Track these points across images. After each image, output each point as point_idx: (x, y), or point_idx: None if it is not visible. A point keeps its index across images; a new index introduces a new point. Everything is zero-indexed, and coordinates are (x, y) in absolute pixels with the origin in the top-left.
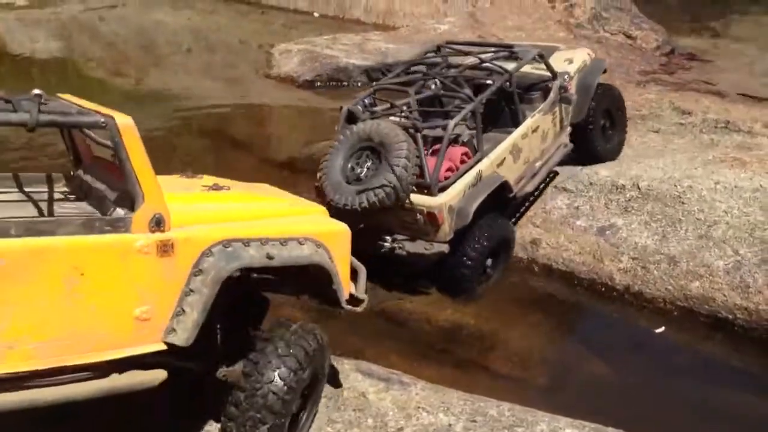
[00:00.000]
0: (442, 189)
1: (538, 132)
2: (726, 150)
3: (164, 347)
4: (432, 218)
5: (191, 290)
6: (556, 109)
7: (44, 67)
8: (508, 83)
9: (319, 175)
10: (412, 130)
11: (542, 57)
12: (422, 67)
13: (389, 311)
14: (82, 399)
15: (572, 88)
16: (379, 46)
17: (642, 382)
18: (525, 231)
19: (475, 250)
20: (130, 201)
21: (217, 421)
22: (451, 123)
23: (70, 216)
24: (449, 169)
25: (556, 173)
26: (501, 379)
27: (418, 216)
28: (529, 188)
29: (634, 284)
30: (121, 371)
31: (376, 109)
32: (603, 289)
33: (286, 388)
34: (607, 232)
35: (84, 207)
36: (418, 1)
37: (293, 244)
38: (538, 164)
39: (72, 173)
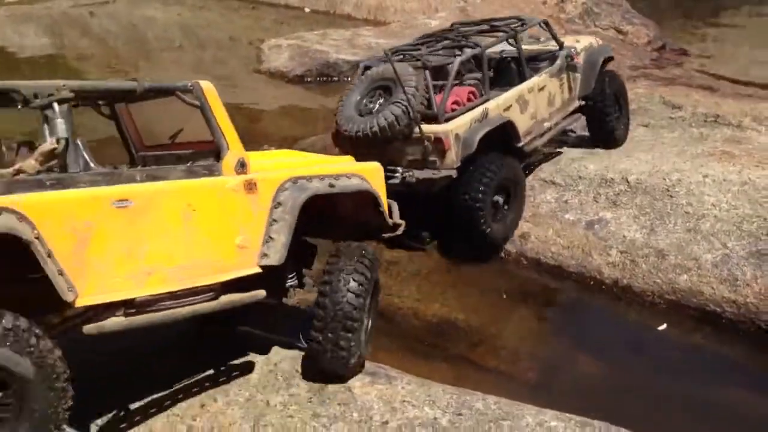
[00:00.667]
0: (449, 120)
1: (545, 92)
2: (715, 144)
3: (260, 270)
4: (439, 143)
5: (275, 220)
6: (564, 76)
7: (35, 63)
8: (513, 39)
9: (335, 114)
10: (420, 66)
11: (547, 24)
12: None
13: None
14: (207, 312)
15: (579, 60)
16: (370, 41)
17: (630, 376)
18: None
19: (481, 183)
20: (216, 152)
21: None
22: (457, 60)
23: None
24: (456, 103)
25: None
26: (489, 373)
27: (426, 143)
28: (538, 143)
29: (623, 278)
30: (226, 292)
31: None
32: (592, 282)
33: (359, 298)
34: (596, 226)
35: None
36: None
37: (344, 179)
38: (546, 125)
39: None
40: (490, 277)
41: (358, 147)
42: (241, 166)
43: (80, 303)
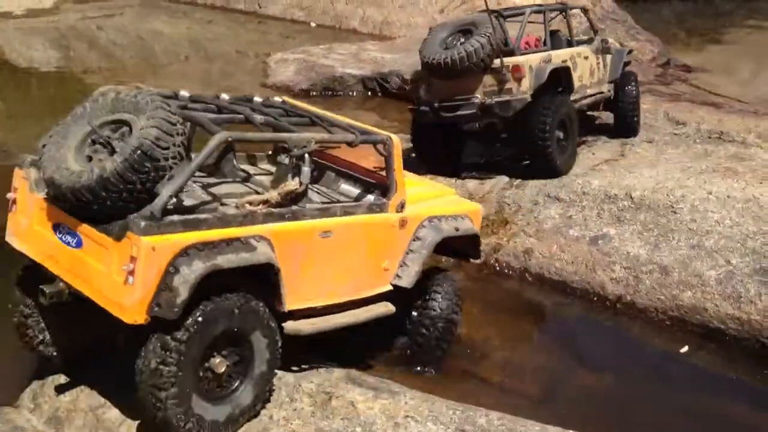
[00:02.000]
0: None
1: (588, 61)
2: (719, 160)
3: (391, 288)
4: (516, 71)
5: (411, 250)
6: (599, 56)
7: (43, 76)
8: (564, 13)
9: (420, 49)
10: (495, 15)
11: (586, 11)
12: None
13: (381, 320)
14: (360, 322)
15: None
16: (375, 55)
17: (634, 392)
18: (518, 240)
19: (548, 115)
20: (385, 188)
21: None
22: (528, 10)
23: (358, 203)
24: (527, 43)
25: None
26: (493, 388)
27: (504, 72)
28: (580, 103)
29: (626, 294)
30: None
31: None
32: (595, 298)
33: (454, 315)
34: (600, 242)
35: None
36: (414, 12)
37: (460, 219)
38: (588, 91)
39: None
40: (493, 292)
41: (439, 75)
42: (401, 207)
43: (287, 308)
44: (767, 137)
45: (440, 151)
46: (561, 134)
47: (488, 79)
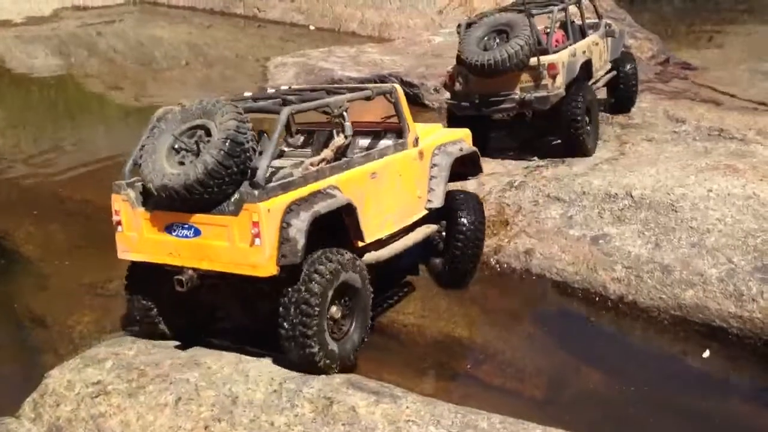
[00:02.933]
0: (555, 53)
1: (597, 47)
2: (719, 158)
3: (427, 212)
4: (552, 68)
5: (433, 176)
6: (604, 40)
7: (43, 83)
8: (578, 4)
9: (458, 51)
10: (526, 15)
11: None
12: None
13: (381, 324)
14: (411, 245)
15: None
16: (374, 58)
17: (637, 393)
18: (519, 241)
19: (578, 105)
20: (399, 131)
21: None
22: (556, 9)
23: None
24: (556, 40)
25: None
26: (495, 391)
27: (541, 70)
28: (598, 85)
29: (628, 294)
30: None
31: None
32: (597, 299)
33: (480, 227)
34: (601, 242)
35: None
36: (412, 13)
37: (459, 143)
38: (599, 73)
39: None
40: (494, 294)
41: (481, 74)
42: (417, 142)
43: (366, 242)
44: (767, 134)
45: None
46: (587, 118)
47: (525, 76)
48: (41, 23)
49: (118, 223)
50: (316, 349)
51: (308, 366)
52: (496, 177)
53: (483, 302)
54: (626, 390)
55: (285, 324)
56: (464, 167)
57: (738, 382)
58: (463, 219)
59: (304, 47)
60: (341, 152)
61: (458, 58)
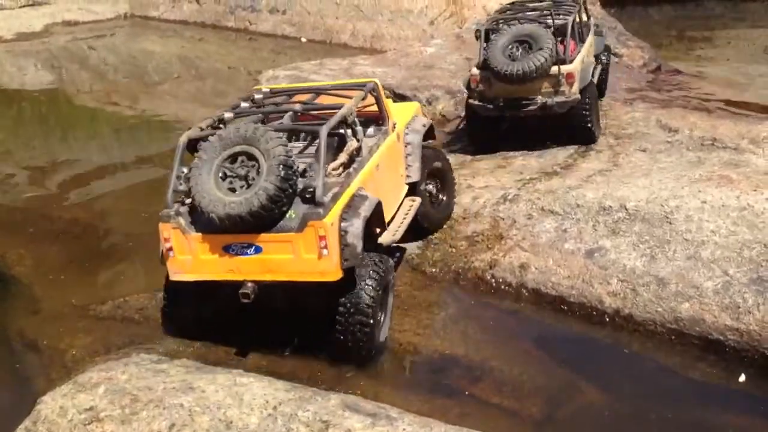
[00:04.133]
0: (571, 63)
1: (591, 48)
2: (713, 168)
3: (407, 186)
4: (570, 77)
5: (408, 154)
6: (594, 38)
7: (35, 98)
8: (584, 6)
9: (484, 58)
10: (544, 26)
11: (584, 3)
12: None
13: (375, 342)
14: (411, 218)
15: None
16: (366, 70)
17: (635, 408)
18: (513, 255)
19: (587, 105)
20: (379, 119)
21: None
22: (570, 18)
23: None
24: (571, 50)
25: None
26: (492, 409)
27: (561, 78)
28: (595, 79)
29: (624, 307)
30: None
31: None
32: (593, 313)
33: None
34: (596, 255)
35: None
36: (404, 25)
37: (419, 118)
38: (590, 68)
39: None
40: (490, 310)
41: (509, 83)
42: (394, 127)
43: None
44: (760, 143)
45: (492, 136)
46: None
47: (545, 83)
48: (32, 38)
49: (169, 249)
50: (365, 341)
51: (357, 354)
52: (490, 190)
53: (478, 318)
54: (624, 406)
55: (342, 320)
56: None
57: (736, 395)
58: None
59: (295, 60)
60: (354, 155)
61: (484, 63)
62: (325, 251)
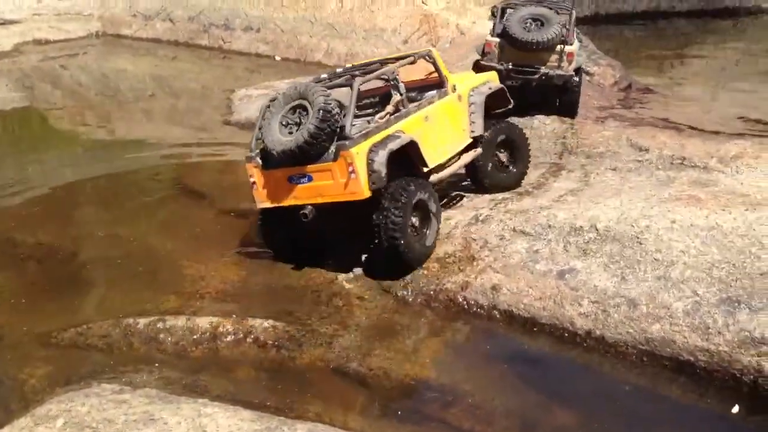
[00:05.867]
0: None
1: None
2: (682, 187)
3: (471, 140)
4: (570, 55)
5: (472, 112)
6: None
7: (7, 117)
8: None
9: (506, 25)
10: (555, 13)
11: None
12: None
13: (347, 368)
14: (463, 165)
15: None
16: (340, 89)
17: (607, 428)
18: (485, 277)
19: (578, 79)
20: (440, 84)
21: None
22: (574, 12)
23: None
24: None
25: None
26: None
27: (563, 54)
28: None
29: (596, 328)
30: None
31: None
32: (565, 334)
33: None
34: (567, 276)
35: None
36: (378, 43)
37: (488, 83)
38: (580, 56)
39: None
40: (463, 332)
41: (524, 49)
42: (453, 89)
43: (429, 168)
44: (728, 161)
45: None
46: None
47: (551, 56)
48: (2, 58)
49: (253, 183)
50: (403, 242)
51: (398, 259)
52: (462, 211)
53: (450, 341)
54: (597, 428)
55: (379, 231)
56: (497, 102)
57: (707, 417)
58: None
59: (270, 78)
60: (399, 106)
61: (503, 32)
62: (353, 175)
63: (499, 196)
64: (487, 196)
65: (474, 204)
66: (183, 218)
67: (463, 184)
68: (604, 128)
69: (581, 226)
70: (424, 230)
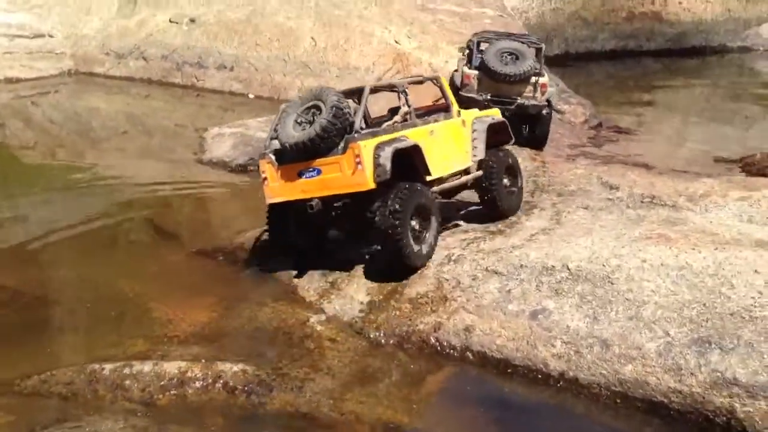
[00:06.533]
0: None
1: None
2: (652, 226)
3: (472, 162)
4: (543, 86)
5: (475, 138)
6: None
7: None
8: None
9: (484, 59)
10: (527, 47)
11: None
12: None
13: (316, 413)
14: (461, 184)
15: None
16: None
17: None
18: (458, 317)
19: (550, 109)
20: (446, 108)
21: None
22: (543, 46)
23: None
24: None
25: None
26: None
27: (537, 85)
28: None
29: (569, 370)
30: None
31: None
32: (539, 376)
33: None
34: (540, 316)
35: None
36: (351, 81)
37: (491, 117)
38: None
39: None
40: (435, 374)
41: (502, 83)
42: (458, 114)
43: (432, 176)
44: (697, 200)
45: None
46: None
47: (524, 88)
48: None
49: (265, 178)
50: (403, 242)
51: (398, 257)
52: (435, 249)
53: (423, 384)
54: None
55: (379, 225)
56: (498, 137)
57: None
58: (494, 168)
59: (243, 116)
60: (407, 117)
61: (480, 65)
62: (360, 167)
63: (471, 235)
64: (460, 235)
65: (446, 243)
66: (153, 259)
67: (461, 213)
68: (576, 166)
69: (553, 266)
70: (424, 233)
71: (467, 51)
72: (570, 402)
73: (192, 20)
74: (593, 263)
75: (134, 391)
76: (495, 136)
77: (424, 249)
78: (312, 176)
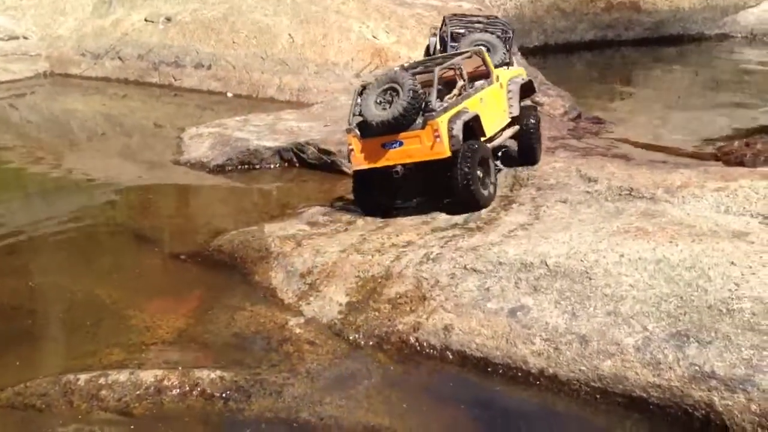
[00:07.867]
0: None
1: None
2: (630, 219)
3: (509, 119)
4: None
5: (510, 97)
6: None
7: None
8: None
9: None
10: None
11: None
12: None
13: (297, 418)
14: (510, 136)
15: None
16: (291, 125)
17: None
18: (437, 317)
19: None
20: (487, 75)
21: None
22: (511, 32)
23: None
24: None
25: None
26: None
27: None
28: None
29: (548, 367)
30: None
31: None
32: (519, 374)
33: (538, 126)
34: (518, 314)
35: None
36: (330, 77)
37: (521, 77)
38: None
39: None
40: (415, 375)
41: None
42: (497, 79)
43: (487, 136)
44: (674, 192)
45: None
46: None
47: None
48: None
49: (351, 150)
50: (475, 188)
51: (475, 204)
52: (413, 249)
53: (403, 385)
54: None
55: (457, 181)
56: (525, 92)
57: None
58: (529, 121)
59: (222, 115)
60: (462, 90)
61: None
62: (438, 139)
63: (450, 233)
64: (438, 233)
65: (425, 242)
66: (130, 264)
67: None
68: (555, 159)
69: (532, 263)
70: (487, 180)
71: (439, 39)
72: (550, 399)
73: (168, 19)
74: (571, 259)
75: (110, 401)
76: (523, 93)
77: (492, 190)
78: (395, 147)
